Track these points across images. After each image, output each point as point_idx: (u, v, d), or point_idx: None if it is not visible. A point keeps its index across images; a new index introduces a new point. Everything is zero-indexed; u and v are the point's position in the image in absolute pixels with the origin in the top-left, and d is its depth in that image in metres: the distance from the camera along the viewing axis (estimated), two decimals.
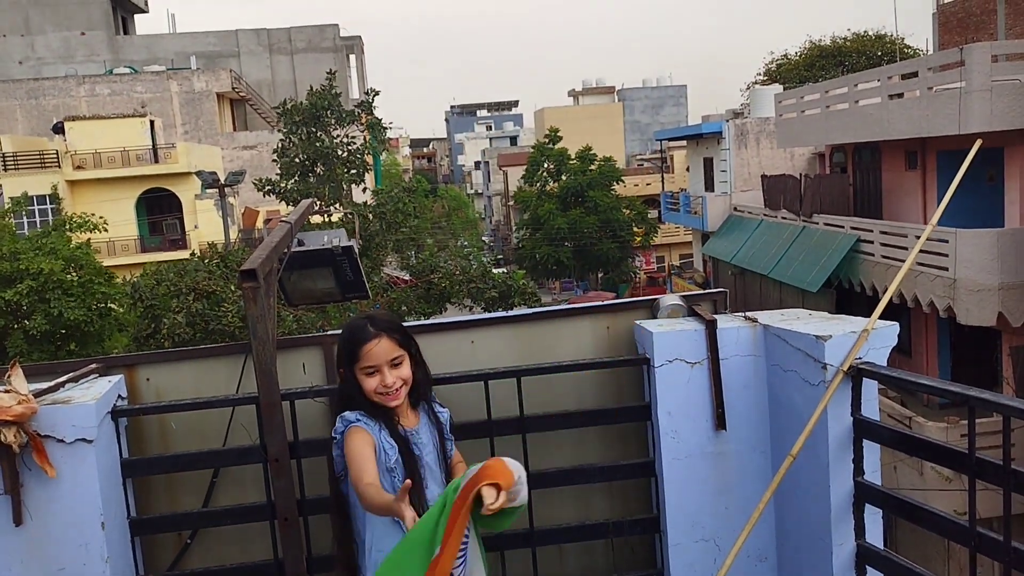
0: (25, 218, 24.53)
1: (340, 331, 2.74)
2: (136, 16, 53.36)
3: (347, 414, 2.50)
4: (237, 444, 3.18)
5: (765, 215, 24.05)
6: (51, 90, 40.48)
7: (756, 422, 3.11)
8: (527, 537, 3.23)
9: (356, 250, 3.87)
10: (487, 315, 3.49)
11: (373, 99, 22.37)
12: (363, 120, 22.10)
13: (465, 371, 3.12)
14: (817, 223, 20.56)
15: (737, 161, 27.58)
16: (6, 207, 21.15)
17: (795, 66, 40.22)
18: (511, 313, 3.44)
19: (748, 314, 3.24)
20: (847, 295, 19.07)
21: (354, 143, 21.63)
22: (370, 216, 19.72)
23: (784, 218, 22.68)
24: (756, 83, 40.95)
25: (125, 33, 50.53)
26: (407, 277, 20.00)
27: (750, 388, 3.10)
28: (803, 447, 2.76)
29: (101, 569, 2.85)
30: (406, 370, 2.52)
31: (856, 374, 2.75)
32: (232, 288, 16.21)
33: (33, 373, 2.99)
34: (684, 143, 34.70)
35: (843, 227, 19.21)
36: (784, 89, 29.38)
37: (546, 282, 46.80)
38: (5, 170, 29.95)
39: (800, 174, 22.55)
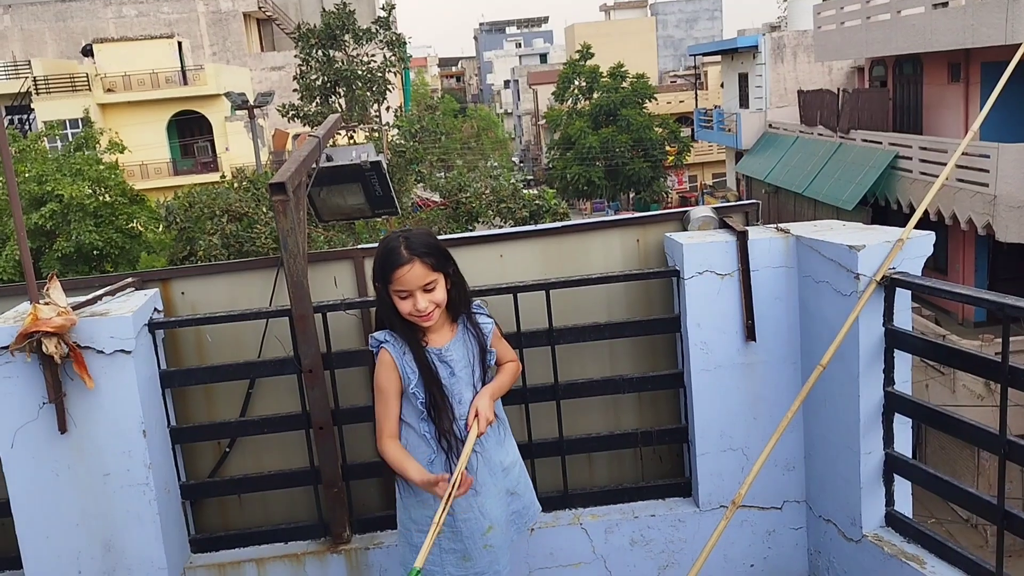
0: (59, 141, 24.66)
1: (374, 246, 2.72)
2: None
3: (377, 334, 2.53)
4: (272, 356, 3.24)
5: (801, 132, 23.53)
6: (79, 12, 40.14)
7: (786, 333, 3.10)
8: (557, 446, 3.29)
9: (384, 165, 3.86)
10: (516, 229, 3.48)
11: (390, 13, 21.87)
12: (383, 37, 21.59)
13: (494, 284, 3.12)
14: (854, 139, 20.10)
15: (773, 76, 26.86)
16: (40, 131, 21.28)
17: None
18: (540, 227, 3.42)
19: (780, 225, 3.20)
20: (883, 213, 18.75)
21: (374, 61, 21.25)
22: (391, 153, 19.52)
23: (820, 134, 22.18)
24: None
25: None
26: (436, 198, 19.94)
27: (781, 299, 3.08)
28: (833, 357, 2.75)
29: (144, 475, 2.95)
30: (439, 294, 2.47)
31: (889, 284, 2.72)
32: (264, 210, 16.29)
33: (71, 287, 3.04)
34: (719, 58, 33.81)
35: (881, 143, 18.76)
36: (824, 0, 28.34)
37: (577, 202, 46.48)
38: (37, 94, 30.03)
39: (838, 89, 21.94)
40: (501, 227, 17.62)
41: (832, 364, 2.76)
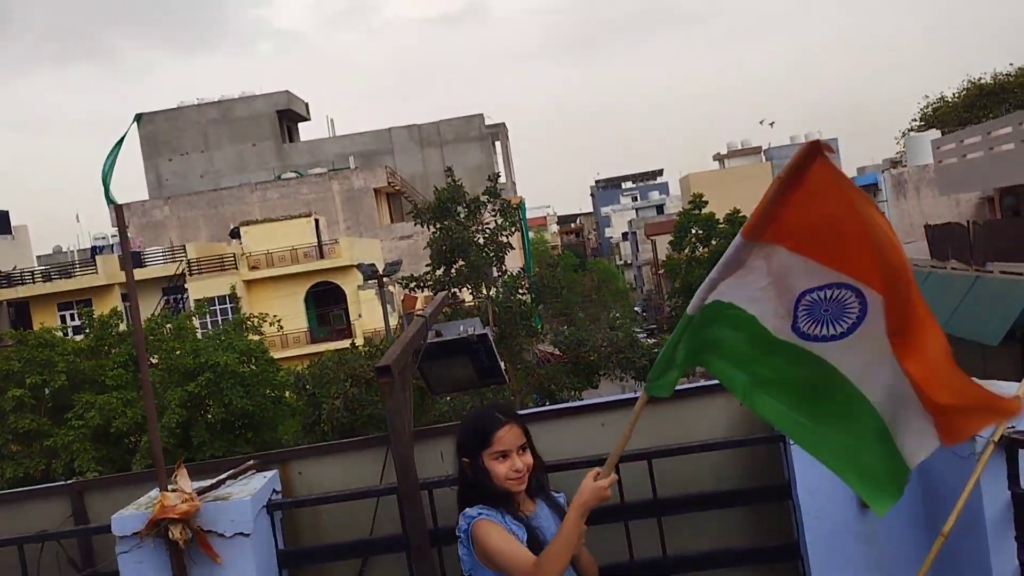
0: (209, 318, 26.58)
1: (462, 422, 2.81)
2: (300, 124, 57.62)
3: (467, 511, 2.52)
4: (383, 533, 3.31)
5: (932, 267, 22.69)
6: (228, 199, 44.14)
7: (906, 499, 2.91)
8: None
9: (491, 337, 4.01)
10: (616, 397, 3.51)
11: (496, 183, 23.32)
12: (495, 205, 22.81)
13: (594, 455, 3.13)
14: (992, 272, 19.19)
15: (896, 213, 26.33)
16: (191, 311, 23.11)
17: (953, 108, 38.22)
18: (640, 394, 3.42)
19: None
20: None
21: (488, 229, 22.35)
22: (497, 310, 20.15)
23: (954, 269, 21.32)
24: (912, 130, 39.18)
25: (291, 141, 54.63)
26: (557, 352, 20.14)
27: None
28: (960, 525, 2.58)
29: None
30: (529, 457, 2.58)
31: (1009, 444, 2.57)
32: None
33: (197, 472, 3.24)
34: None
35: (1023, 274, 17.82)
36: (943, 134, 27.98)
37: None
38: (191, 274, 32.77)
39: (968, 221, 21.22)
40: (622, 377, 17.51)
41: (957, 533, 2.59)
